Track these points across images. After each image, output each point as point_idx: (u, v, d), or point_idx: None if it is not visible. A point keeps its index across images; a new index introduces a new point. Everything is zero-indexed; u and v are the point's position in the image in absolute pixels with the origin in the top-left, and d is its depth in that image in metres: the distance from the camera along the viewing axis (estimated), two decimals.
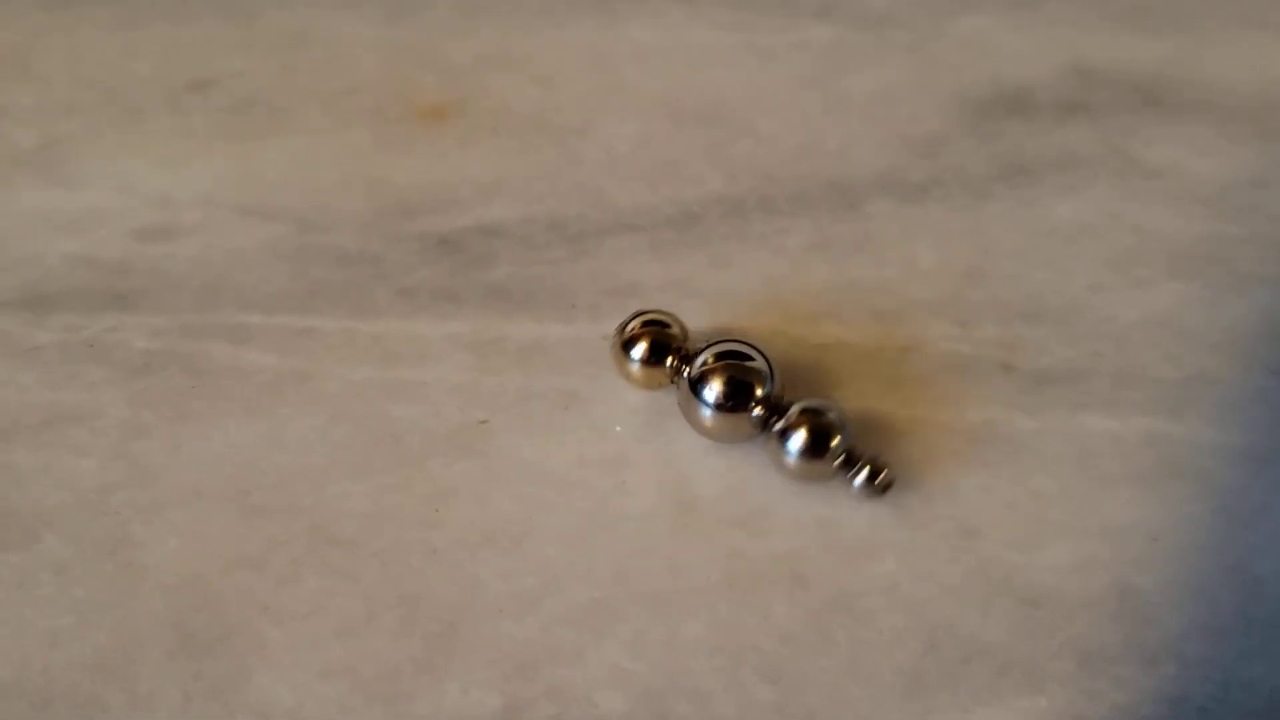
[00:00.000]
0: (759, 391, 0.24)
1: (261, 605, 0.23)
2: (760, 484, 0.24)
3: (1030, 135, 0.31)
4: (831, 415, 0.23)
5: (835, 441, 0.23)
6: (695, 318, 0.26)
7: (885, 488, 0.23)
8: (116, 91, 0.33)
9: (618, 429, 0.25)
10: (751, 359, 0.24)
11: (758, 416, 0.23)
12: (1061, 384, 0.25)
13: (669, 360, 0.24)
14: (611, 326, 0.26)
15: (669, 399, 0.25)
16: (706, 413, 0.24)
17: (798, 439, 0.23)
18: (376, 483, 0.24)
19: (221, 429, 0.25)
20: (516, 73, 0.33)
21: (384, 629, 0.22)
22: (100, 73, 0.33)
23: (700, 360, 0.24)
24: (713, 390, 0.24)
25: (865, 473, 0.23)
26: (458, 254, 0.28)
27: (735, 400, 0.24)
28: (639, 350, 0.25)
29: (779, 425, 0.23)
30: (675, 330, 0.25)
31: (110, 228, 0.29)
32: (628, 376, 0.25)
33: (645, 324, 0.25)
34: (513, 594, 0.23)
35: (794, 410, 0.23)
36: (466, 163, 0.31)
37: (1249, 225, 0.29)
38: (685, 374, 0.24)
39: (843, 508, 0.24)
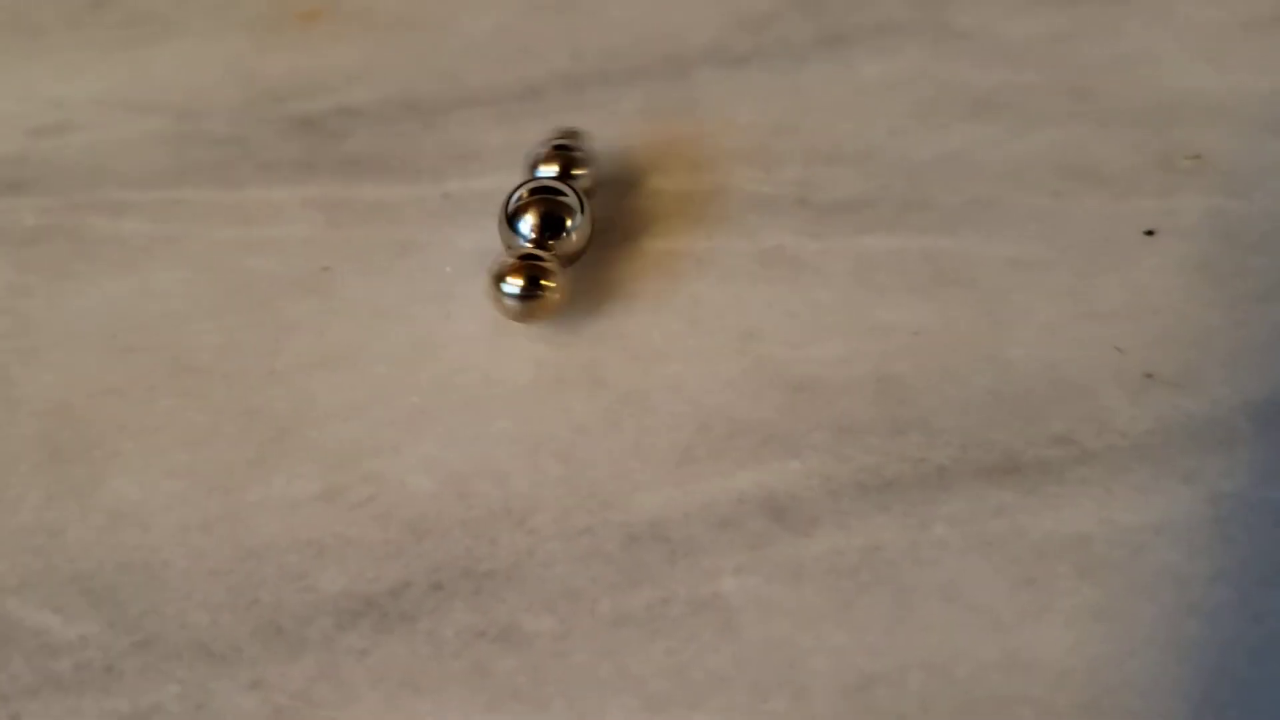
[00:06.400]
0: (569, 223, 0.27)
1: (121, 424, 0.26)
2: (570, 307, 0.27)
3: (852, 8, 0.34)
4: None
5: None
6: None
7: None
8: (20, 14, 0.36)
9: (448, 269, 0.28)
10: (564, 194, 0.27)
11: None
12: (849, 212, 0.28)
13: None
14: (452, 186, 0.30)
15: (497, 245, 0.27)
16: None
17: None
18: (229, 321, 0.27)
19: (97, 286, 0.28)
20: None
21: (224, 437, 0.25)
22: None
23: (515, 196, 0.27)
24: (528, 223, 0.27)
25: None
26: (317, 132, 0.31)
27: (550, 233, 0.27)
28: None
29: None
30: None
31: (9, 129, 0.33)
32: None
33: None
34: (341, 404, 0.26)
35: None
36: (335, 56, 0.34)
37: (1045, 74, 0.32)
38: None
39: (643, 323, 0.27)
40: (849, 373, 0.25)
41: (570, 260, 0.27)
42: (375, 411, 0.25)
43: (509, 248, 0.27)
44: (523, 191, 0.27)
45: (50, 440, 0.25)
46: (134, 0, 0.36)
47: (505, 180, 0.29)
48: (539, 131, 0.31)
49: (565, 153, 0.28)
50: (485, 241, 0.28)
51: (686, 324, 0.26)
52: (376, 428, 0.25)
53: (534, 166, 0.28)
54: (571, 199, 0.27)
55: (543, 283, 0.26)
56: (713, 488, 0.24)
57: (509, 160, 0.30)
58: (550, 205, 0.27)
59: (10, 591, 0.23)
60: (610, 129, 0.30)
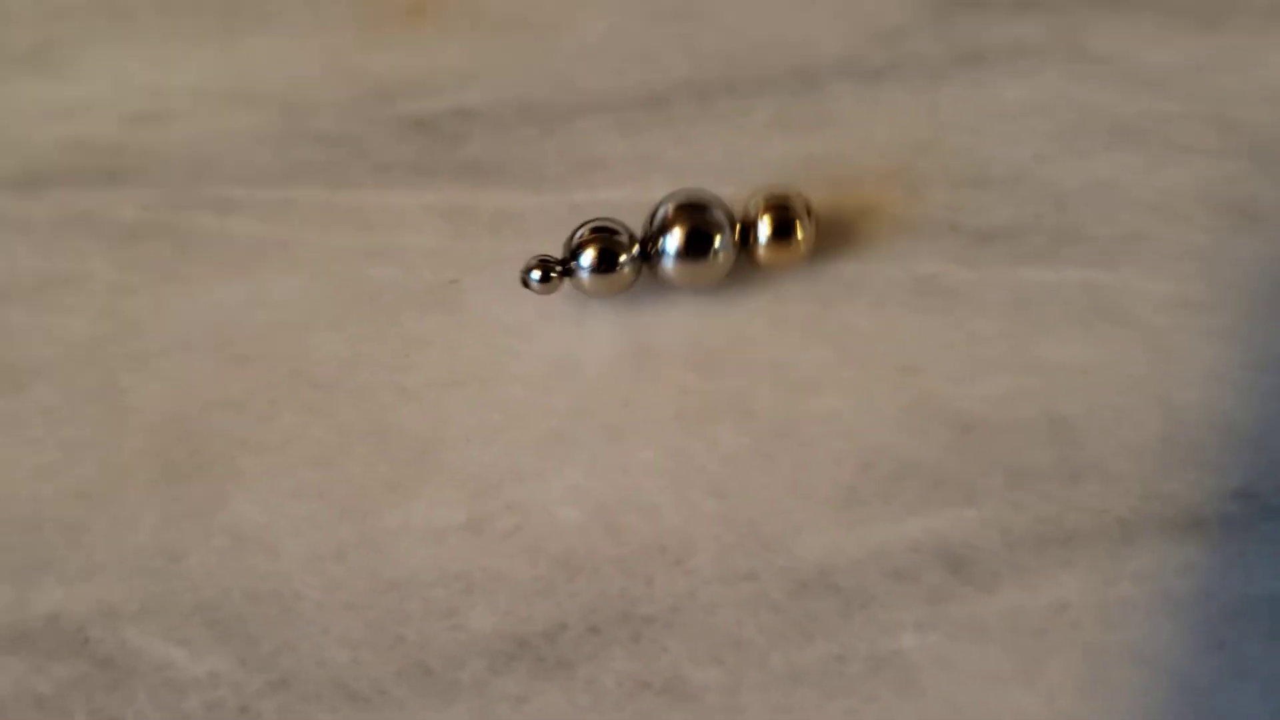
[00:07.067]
0: (717, 241, 0.25)
1: (240, 439, 0.24)
2: (715, 333, 0.26)
3: (985, 27, 0.32)
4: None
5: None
6: (659, 187, 0.28)
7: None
8: None
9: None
10: (706, 206, 0.26)
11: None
12: (1003, 241, 0.27)
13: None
14: (579, 196, 0.28)
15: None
16: (670, 265, 0.25)
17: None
18: (352, 333, 0.26)
19: (206, 289, 0.27)
20: None
21: (356, 456, 0.24)
22: None
23: (660, 214, 0.25)
24: (675, 240, 0.25)
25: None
26: (433, 134, 0.30)
27: (700, 248, 0.25)
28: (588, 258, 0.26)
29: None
30: (623, 236, 0.26)
31: (103, 114, 0.31)
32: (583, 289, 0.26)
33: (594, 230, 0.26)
34: (478, 426, 0.24)
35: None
36: (445, 55, 0.32)
37: (1188, 104, 0.30)
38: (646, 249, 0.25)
39: (792, 350, 0.25)
40: (1016, 412, 0.24)
41: (712, 283, 0.26)
42: (513, 435, 0.24)
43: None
44: (668, 207, 0.25)
45: (165, 455, 0.24)
46: None
47: (634, 192, 0.28)
48: (663, 142, 0.29)
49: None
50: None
51: (839, 353, 0.25)
52: (516, 453, 0.24)
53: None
54: (719, 217, 0.25)
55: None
56: (883, 533, 0.22)
57: (636, 171, 0.29)
58: (697, 221, 0.25)
59: (130, 619, 0.22)
60: (743, 141, 0.29)
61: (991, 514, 0.22)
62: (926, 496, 0.23)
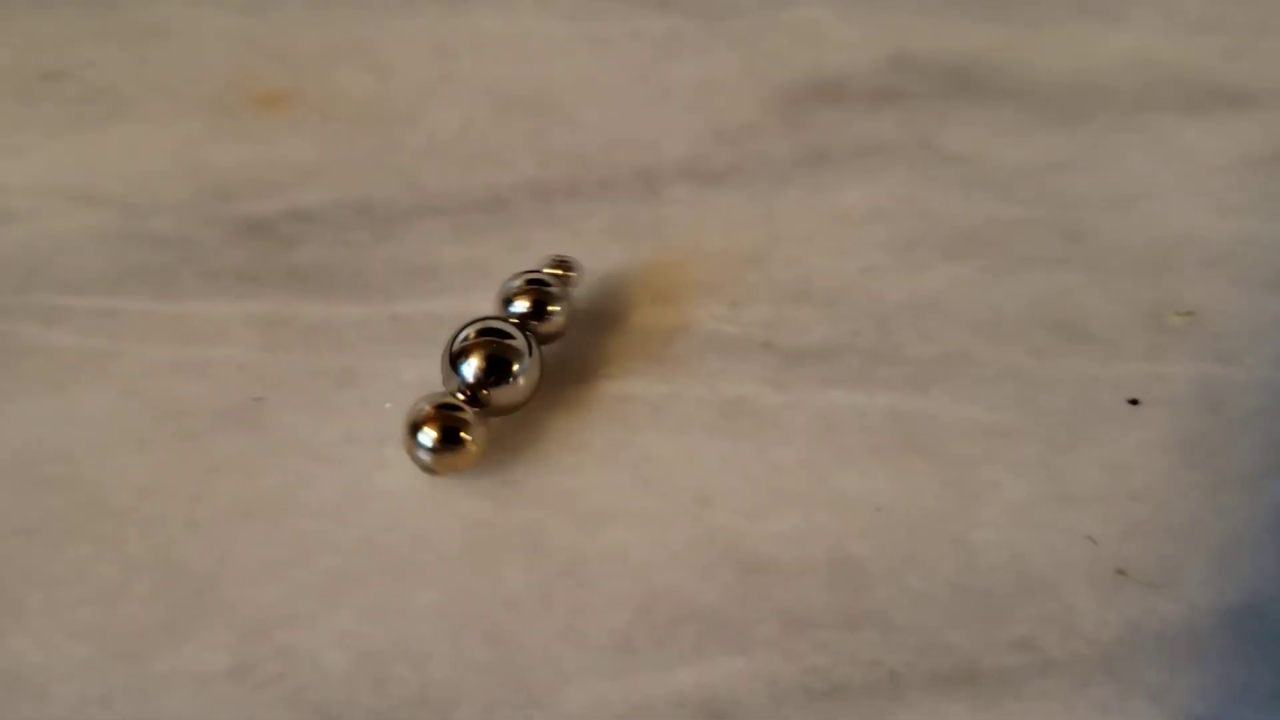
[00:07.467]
0: (515, 368, 0.25)
1: (29, 571, 0.24)
2: (514, 457, 0.25)
3: (838, 124, 0.32)
4: None
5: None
6: (486, 299, 0.27)
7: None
8: None
9: (388, 405, 0.26)
10: (511, 337, 0.25)
11: None
12: (816, 361, 0.27)
13: None
14: (402, 307, 0.28)
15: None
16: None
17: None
18: (152, 456, 0.26)
19: (20, 406, 0.27)
20: (357, 62, 0.34)
21: (137, 594, 0.24)
22: None
23: (461, 335, 0.25)
24: (471, 367, 0.25)
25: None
26: (267, 237, 0.30)
27: (494, 379, 0.25)
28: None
29: None
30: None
31: None
32: None
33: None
34: (262, 563, 0.24)
35: None
36: (291, 149, 0.32)
37: (1035, 208, 0.30)
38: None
39: (589, 479, 0.25)
40: (804, 552, 0.24)
41: (514, 408, 0.26)
42: (294, 573, 0.24)
43: (450, 389, 0.26)
44: (469, 331, 0.25)
45: None
46: (89, 74, 0.34)
47: (459, 303, 0.28)
48: (497, 248, 0.29)
49: (540, 289, 0.27)
50: (430, 373, 0.26)
51: (636, 482, 0.25)
52: (294, 592, 0.24)
53: (507, 302, 0.27)
54: (520, 343, 0.25)
55: (462, 435, 0.26)
56: (650, 685, 0.22)
57: (465, 280, 0.29)
58: (496, 348, 0.25)
59: None
60: (575, 249, 0.28)
61: (762, 664, 0.22)
62: (699, 644, 0.22)
